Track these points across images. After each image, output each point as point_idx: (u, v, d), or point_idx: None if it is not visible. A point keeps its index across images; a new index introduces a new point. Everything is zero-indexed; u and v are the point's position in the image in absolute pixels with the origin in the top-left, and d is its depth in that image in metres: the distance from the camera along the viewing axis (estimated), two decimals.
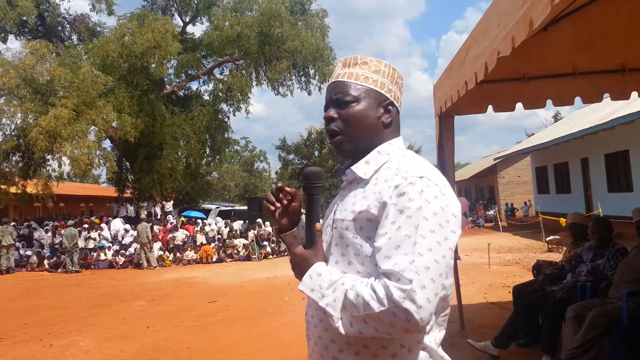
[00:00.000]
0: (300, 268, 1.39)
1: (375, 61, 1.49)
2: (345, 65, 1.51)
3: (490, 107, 5.32)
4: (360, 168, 1.43)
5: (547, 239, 14.41)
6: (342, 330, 1.25)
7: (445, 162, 5.31)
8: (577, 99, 5.30)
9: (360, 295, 1.21)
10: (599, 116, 15.87)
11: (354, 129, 1.44)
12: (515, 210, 29.05)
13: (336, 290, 1.27)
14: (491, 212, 28.63)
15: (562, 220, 13.78)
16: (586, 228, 5.12)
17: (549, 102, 5.26)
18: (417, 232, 1.22)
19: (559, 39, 4.56)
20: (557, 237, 13.92)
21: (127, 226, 19.21)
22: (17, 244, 17.65)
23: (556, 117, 45.65)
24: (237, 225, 19.83)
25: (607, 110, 15.48)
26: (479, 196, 37.78)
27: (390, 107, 1.47)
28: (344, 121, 1.44)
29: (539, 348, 4.49)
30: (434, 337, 1.36)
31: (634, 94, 5.29)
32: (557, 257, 9.19)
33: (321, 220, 1.49)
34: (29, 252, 17.82)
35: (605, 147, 16.25)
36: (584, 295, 4.37)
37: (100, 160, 19.05)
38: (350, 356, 1.33)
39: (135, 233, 17.54)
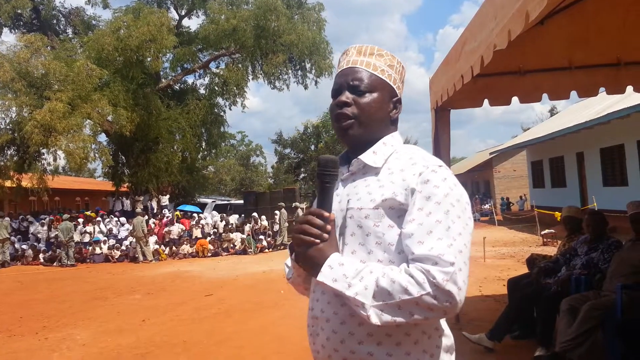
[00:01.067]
0: (314, 259, 1.32)
1: (390, 55, 1.50)
2: (360, 53, 1.49)
3: (486, 101, 5.32)
4: (369, 157, 1.42)
5: (542, 232, 14.47)
6: (373, 320, 1.22)
7: (441, 157, 5.31)
8: (573, 93, 5.31)
9: (397, 282, 1.21)
10: (595, 110, 15.91)
11: (368, 117, 1.44)
12: (511, 205, 29.14)
13: (364, 279, 1.25)
14: (487, 206, 28.72)
15: (557, 214, 13.85)
16: (581, 221, 5.14)
17: (544, 96, 5.27)
18: (448, 217, 1.26)
19: (555, 32, 4.57)
20: (552, 230, 13.99)
21: (123, 219, 19.20)
22: (13, 238, 17.61)
23: (552, 112, 45.70)
24: (233, 219, 19.83)
25: (603, 104, 15.51)
26: (474, 190, 37.88)
27: (398, 104, 1.50)
28: (360, 108, 1.43)
29: (534, 341, 4.52)
30: (444, 325, 1.39)
31: (630, 88, 5.30)
32: (551, 250, 9.24)
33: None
34: (24, 246, 17.78)
35: (601, 141, 16.29)
36: (579, 288, 4.40)
37: (96, 154, 18.98)
38: (371, 347, 1.30)
39: (130, 227, 17.53)
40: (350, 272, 1.27)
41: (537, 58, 4.93)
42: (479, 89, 5.11)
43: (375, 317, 1.22)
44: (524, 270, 6.03)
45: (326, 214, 1.35)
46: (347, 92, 1.45)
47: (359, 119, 1.44)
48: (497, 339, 4.64)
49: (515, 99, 5.30)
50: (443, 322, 1.38)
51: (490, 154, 30.82)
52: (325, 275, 1.29)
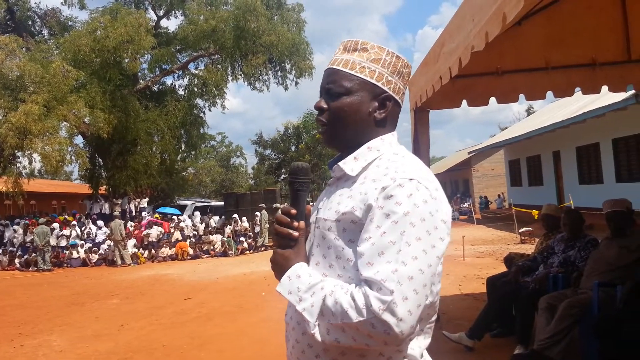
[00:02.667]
0: (280, 267, 1.30)
1: (376, 48, 1.37)
2: (345, 50, 1.39)
3: (464, 102, 5.35)
4: (348, 164, 1.33)
5: (520, 230, 14.63)
6: (318, 337, 1.19)
7: (421, 157, 5.30)
8: (549, 93, 5.36)
9: (339, 303, 1.15)
10: (571, 110, 16.15)
11: (340, 124, 1.35)
12: (489, 203, 29.47)
13: (314, 295, 1.20)
14: (465, 204, 28.99)
15: (535, 212, 14.02)
16: (559, 220, 5.20)
17: (521, 96, 5.31)
18: (402, 238, 1.15)
19: (532, 33, 4.62)
20: (530, 228, 14.16)
21: (100, 223, 18.93)
22: None
23: (529, 111, 46.29)
24: (214, 221, 19.70)
25: (579, 104, 15.76)
26: (454, 189, 38.26)
27: (387, 101, 1.36)
28: (332, 114, 1.35)
29: (513, 339, 4.56)
30: (418, 344, 1.29)
31: (605, 87, 5.38)
32: (529, 248, 9.36)
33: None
34: None
35: (577, 140, 16.56)
36: (556, 286, 4.45)
37: (72, 157, 18.70)
38: None
39: (108, 230, 17.31)
40: (304, 285, 1.23)
41: (514, 59, 4.97)
42: (458, 89, 5.13)
43: (319, 335, 1.19)
44: (503, 268, 6.09)
45: (293, 210, 1.34)
46: (322, 96, 1.39)
47: (330, 126, 1.37)
48: (477, 337, 4.68)
49: (493, 100, 5.34)
50: (412, 344, 1.27)
51: (469, 153, 31.12)
52: (283, 286, 1.27)
